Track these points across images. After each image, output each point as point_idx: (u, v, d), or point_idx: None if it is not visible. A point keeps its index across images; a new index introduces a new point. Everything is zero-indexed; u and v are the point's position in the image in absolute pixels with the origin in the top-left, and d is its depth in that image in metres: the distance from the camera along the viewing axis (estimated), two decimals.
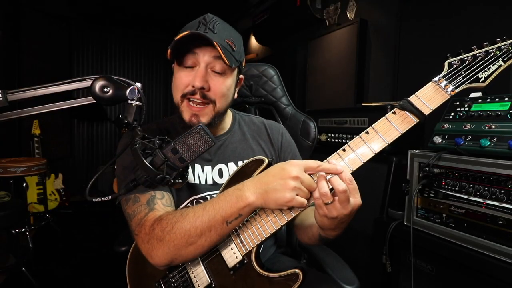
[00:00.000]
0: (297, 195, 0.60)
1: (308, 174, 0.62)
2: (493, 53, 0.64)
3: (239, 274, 0.73)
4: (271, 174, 0.64)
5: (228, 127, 0.93)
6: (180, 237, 0.66)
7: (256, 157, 0.77)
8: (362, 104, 1.65)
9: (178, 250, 0.67)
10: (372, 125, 0.65)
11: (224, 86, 0.79)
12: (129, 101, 0.67)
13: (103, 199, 0.65)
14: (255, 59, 3.73)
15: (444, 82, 0.64)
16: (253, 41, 3.71)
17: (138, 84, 0.68)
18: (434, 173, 1.08)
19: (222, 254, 0.74)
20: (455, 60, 0.67)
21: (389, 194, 1.37)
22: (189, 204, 0.84)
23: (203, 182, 0.87)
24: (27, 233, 2.38)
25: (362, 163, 0.63)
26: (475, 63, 0.65)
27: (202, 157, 0.86)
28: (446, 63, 0.68)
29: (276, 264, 0.93)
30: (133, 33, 4.68)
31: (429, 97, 0.63)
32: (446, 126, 1.11)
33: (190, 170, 0.85)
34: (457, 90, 0.63)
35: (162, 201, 0.76)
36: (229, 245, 0.74)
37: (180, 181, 0.65)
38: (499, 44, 0.64)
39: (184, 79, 0.78)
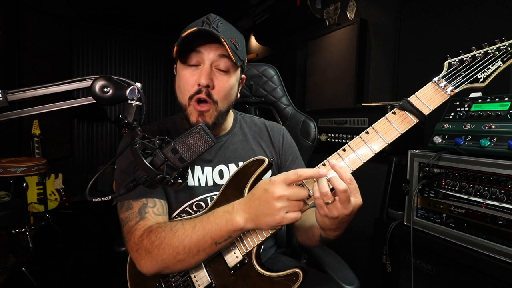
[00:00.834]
0: (287, 211, 0.61)
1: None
2: (492, 54, 0.64)
3: (240, 274, 0.73)
4: (256, 197, 0.64)
5: (229, 127, 0.93)
6: (168, 253, 0.67)
7: (257, 157, 0.77)
8: (362, 104, 1.65)
9: (165, 264, 0.68)
10: (372, 125, 0.65)
11: (228, 85, 0.80)
12: (129, 101, 0.67)
13: (103, 199, 0.65)
14: (255, 59, 3.74)
15: (443, 83, 0.64)
16: (253, 41, 3.70)
17: (138, 84, 0.68)
18: (434, 173, 1.09)
19: (223, 254, 0.75)
20: (455, 61, 0.67)
21: (389, 194, 1.37)
22: (187, 208, 0.84)
23: (203, 184, 0.86)
24: (27, 233, 2.38)
25: (362, 163, 0.64)
26: (474, 63, 0.65)
27: (202, 158, 0.86)
28: (446, 64, 0.68)
29: (276, 264, 0.93)
30: (133, 33, 4.68)
31: (429, 97, 0.63)
32: (446, 126, 1.11)
33: (189, 172, 0.85)
34: (456, 91, 0.63)
35: (153, 209, 0.77)
36: (230, 245, 0.74)
37: (180, 181, 0.65)
38: (498, 45, 0.64)
39: (189, 79, 0.77)
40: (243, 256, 0.73)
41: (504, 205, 0.90)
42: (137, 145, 0.61)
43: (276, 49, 3.46)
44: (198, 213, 0.80)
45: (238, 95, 0.89)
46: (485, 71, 0.64)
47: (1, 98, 0.62)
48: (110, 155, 4.60)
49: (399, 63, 1.98)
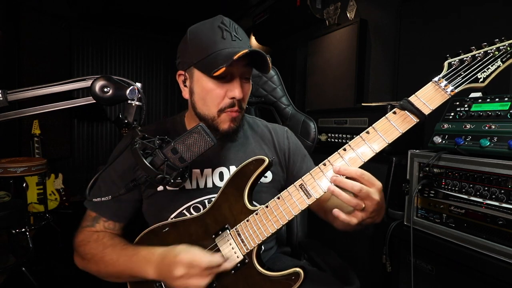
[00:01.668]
0: (190, 278, 0.67)
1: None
2: (492, 54, 0.64)
3: (240, 274, 0.73)
4: (166, 261, 0.70)
5: None
6: (94, 269, 0.80)
7: (256, 157, 0.77)
8: (362, 104, 1.65)
9: (93, 273, 0.81)
10: (373, 125, 0.65)
11: (249, 91, 0.84)
12: (129, 101, 0.67)
13: (103, 199, 0.66)
14: None
15: (443, 82, 0.64)
16: (253, 41, 3.71)
17: (138, 84, 0.68)
18: (434, 173, 1.08)
19: (223, 254, 0.74)
20: (455, 61, 0.67)
21: (389, 194, 1.37)
22: (184, 211, 0.83)
23: (201, 186, 0.85)
24: (27, 233, 2.38)
25: (363, 163, 0.64)
26: (474, 63, 0.65)
27: (202, 160, 0.85)
28: (446, 64, 0.68)
29: (276, 264, 0.93)
30: (133, 33, 4.67)
31: (429, 97, 0.64)
32: (446, 126, 1.11)
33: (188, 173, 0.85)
34: (456, 90, 0.63)
35: (105, 224, 0.84)
36: (230, 245, 0.74)
37: (180, 181, 0.65)
38: (498, 45, 0.64)
39: (219, 92, 0.77)
40: (243, 255, 0.72)
41: (504, 205, 0.90)
42: (137, 145, 0.61)
43: (276, 49, 3.46)
44: (196, 214, 0.80)
45: None
46: (485, 71, 0.64)
47: (1, 98, 0.62)
48: (110, 155, 4.59)
49: (399, 63, 1.97)
